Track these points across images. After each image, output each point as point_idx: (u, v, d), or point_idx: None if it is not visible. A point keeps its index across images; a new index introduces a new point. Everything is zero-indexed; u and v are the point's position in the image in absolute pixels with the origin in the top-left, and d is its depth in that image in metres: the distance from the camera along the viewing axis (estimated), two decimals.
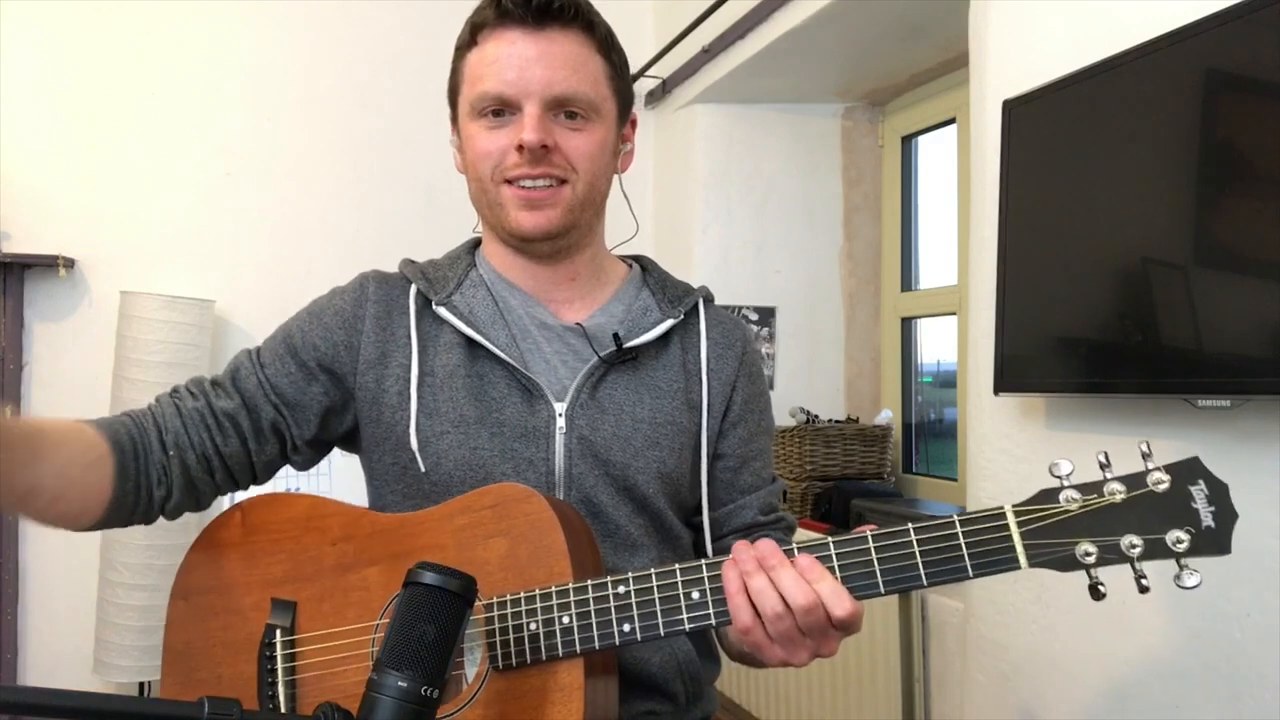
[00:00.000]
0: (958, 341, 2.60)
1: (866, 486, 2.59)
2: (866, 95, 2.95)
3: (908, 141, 2.94)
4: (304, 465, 1.08)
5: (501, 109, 0.99)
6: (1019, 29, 1.61)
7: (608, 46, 1.03)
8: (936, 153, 2.88)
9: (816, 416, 2.78)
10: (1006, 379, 1.54)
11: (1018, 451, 1.60)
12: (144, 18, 2.84)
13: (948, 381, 2.78)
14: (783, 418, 2.80)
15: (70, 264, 2.72)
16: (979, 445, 1.69)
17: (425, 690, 0.70)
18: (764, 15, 2.50)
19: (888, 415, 2.78)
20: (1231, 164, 1.20)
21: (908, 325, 2.91)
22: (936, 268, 2.87)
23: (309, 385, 1.03)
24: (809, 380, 3.02)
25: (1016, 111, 1.53)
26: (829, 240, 3.06)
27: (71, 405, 2.74)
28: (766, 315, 3.00)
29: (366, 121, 3.04)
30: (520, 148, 0.96)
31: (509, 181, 0.99)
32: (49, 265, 2.68)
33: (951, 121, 2.68)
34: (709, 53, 2.78)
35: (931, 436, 2.86)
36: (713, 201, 3.00)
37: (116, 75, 2.81)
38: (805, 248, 3.05)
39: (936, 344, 2.88)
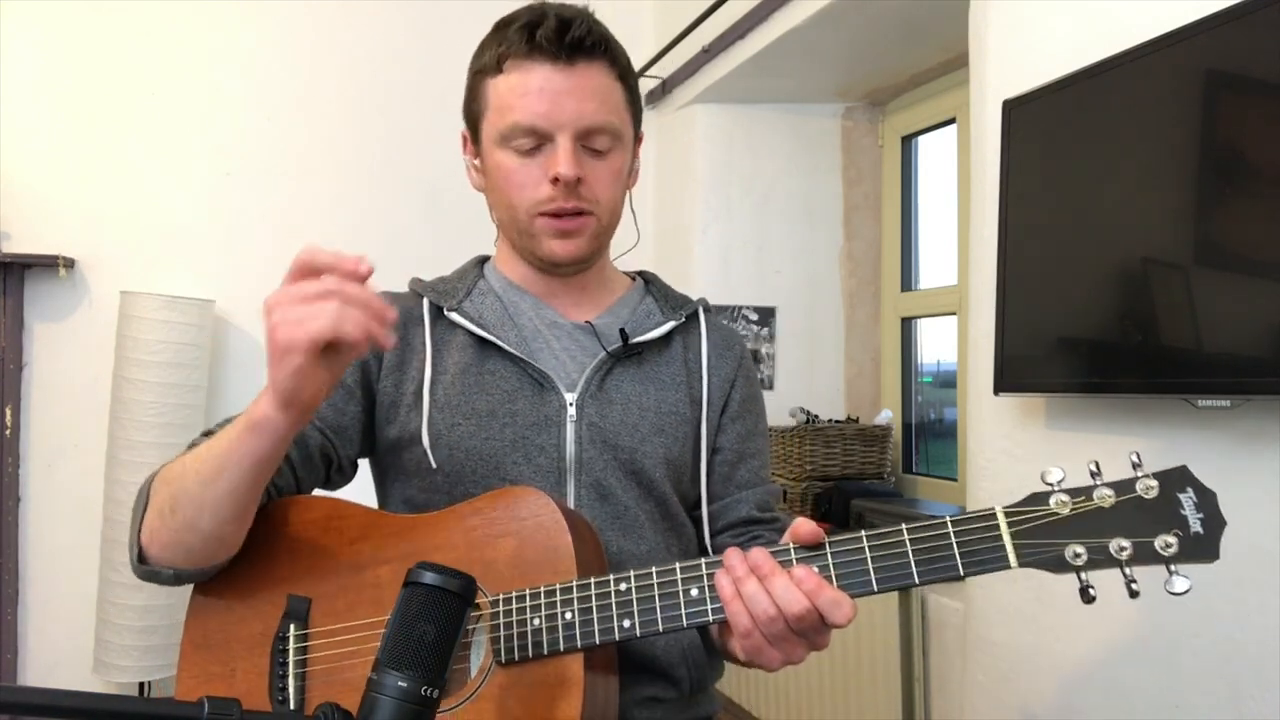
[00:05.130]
0: (958, 341, 2.60)
1: (866, 486, 2.59)
2: (866, 95, 2.95)
3: (908, 141, 2.94)
4: (337, 486, 1.09)
5: (535, 143, 1.02)
6: (1019, 29, 1.61)
7: (626, 73, 1.07)
8: (936, 153, 2.88)
9: (816, 416, 2.78)
10: (1006, 379, 1.54)
11: (1018, 451, 1.60)
12: (144, 18, 2.84)
13: (948, 381, 2.78)
14: (783, 418, 2.80)
15: (70, 264, 2.72)
16: (979, 445, 1.69)
17: (425, 690, 0.70)
18: (764, 15, 2.50)
19: (888, 415, 2.78)
20: (1231, 164, 1.20)
21: (908, 325, 2.91)
22: (936, 268, 2.87)
23: (348, 405, 1.05)
24: (809, 380, 3.02)
25: (1016, 111, 1.53)
26: (829, 240, 3.06)
27: (71, 405, 2.75)
28: (766, 315, 3.00)
29: (367, 121, 3.04)
30: (555, 180, 1.00)
31: (542, 214, 1.03)
32: (49, 265, 2.68)
33: (951, 121, 2.68)
34: (709, 53, 2.78)
35: (931, 436, 2.86)
36: (713, 201, 3.00)
37: (116, 75, 2.81)
38: (805, 248, 3.05)
39: (936, 344, 2.88)
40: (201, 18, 2.89)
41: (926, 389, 2.91)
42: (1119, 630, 1.39)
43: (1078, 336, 1.43)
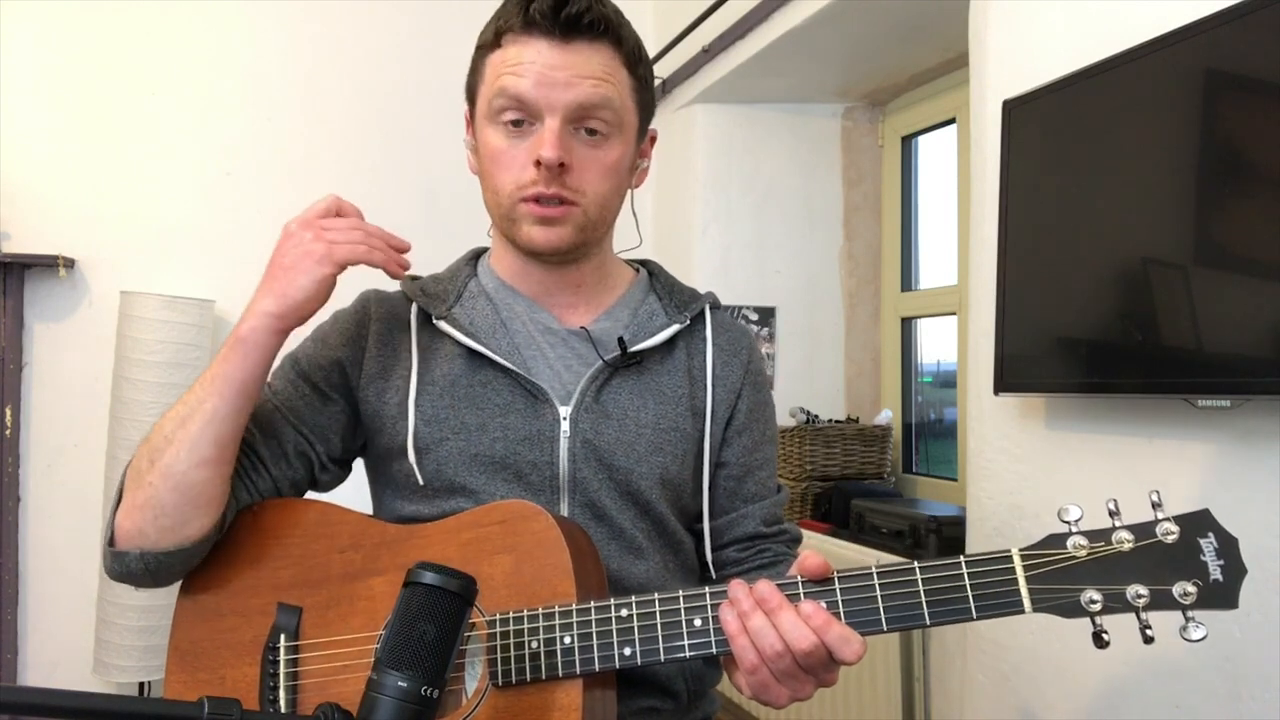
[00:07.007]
0: (958, 341, 2.60)
1: (866, 487, 2.59)
2: (866, 95, 2.95)
3: (908, 141, 2.94)
4: (329, 485, 1.07)
5: (520, 118, 0.97)
6: (1019, 29, 1.61)
7: (635, 60, 1.00)
8: (936, 153, 2.88)
9: (816, 416, 2.78)
10: (1006, 379, 1.54)
11: (1017, 451, 1.60)
12: (144, 18, 2.84)
13: (948, 381, 2.78)
14: (783, 418, 2.80)
15: (70, 264, 2.72)
16: (979, 445, 1.69)
17: (425, 690, 0.70)
18: (764, 15, 2.50)
19: (888, 415, 2.78)
20: (1231, 164, 1.20)
21: (908, 325, 2.91)
22: (936, 268, 2.87)
23: (325, 405, 1.03)
24: (809, 380, 3.02)
25: (1016, 111, 1.53)
26: (829, 240, 3.06)
27: (71, 405, 2.75)
28: (766, 315, 3.00)
29: (367, 121, 3.04)
30: (538, 163, 0.95)
31: (524, 199, 0.98)
32: (49, 265, 2.68)
33: (951, 121, 2.68)
34: (709, 53, 2.78)
35: (931, 436, 2.86)
36: (713, 202, 3.00)
37: (116, 75, 2.81)
38: (805, 248, 3.05)
39: (936, 344, 2.88)
40: (201, 18, 2.89)
41: (926, 389, 2.91)
42: (1118, 630, 1.39)
43: (1078, 336, 1.43)
